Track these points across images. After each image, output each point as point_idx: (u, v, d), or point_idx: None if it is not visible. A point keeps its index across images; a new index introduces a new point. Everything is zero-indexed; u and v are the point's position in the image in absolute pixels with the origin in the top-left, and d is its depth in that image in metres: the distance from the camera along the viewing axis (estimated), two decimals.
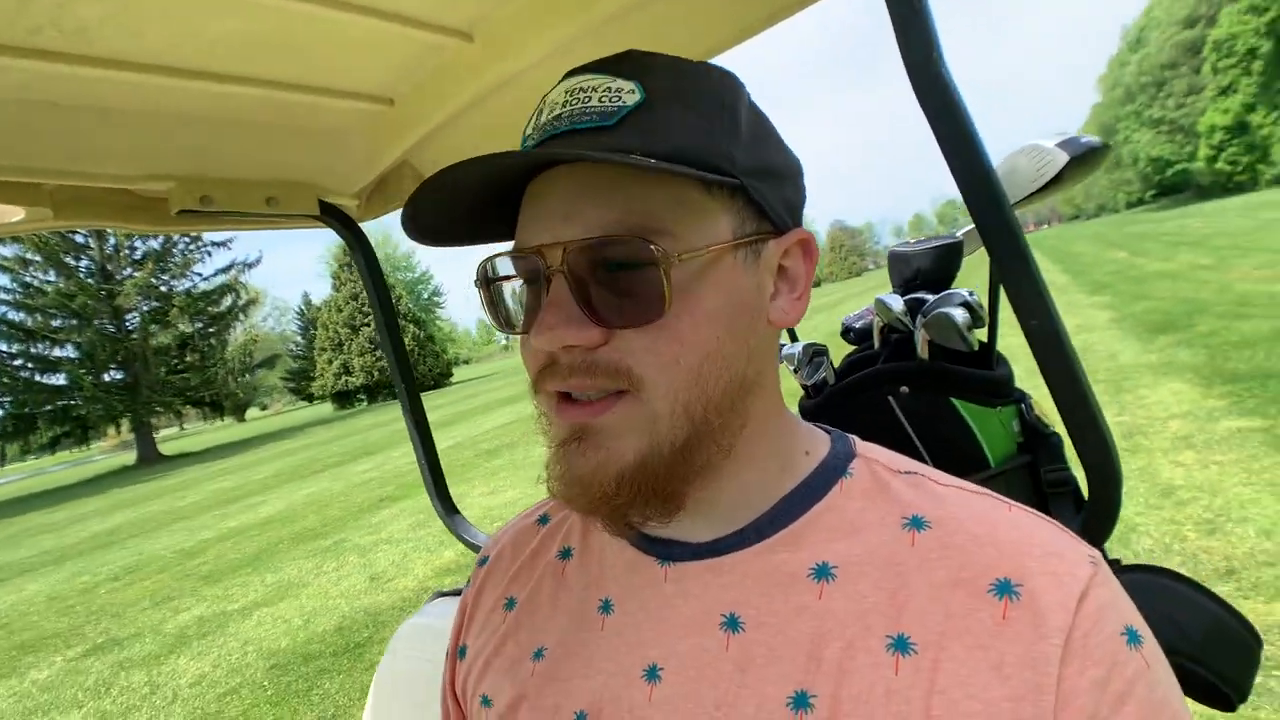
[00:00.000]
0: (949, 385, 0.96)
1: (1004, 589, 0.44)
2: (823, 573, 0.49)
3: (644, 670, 0.51)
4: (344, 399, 48.03)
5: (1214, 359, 5.85)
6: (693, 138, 0.47)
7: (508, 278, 0.54)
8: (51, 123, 0.86)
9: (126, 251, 32.44)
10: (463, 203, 0.51)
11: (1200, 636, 0.72)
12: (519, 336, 0.53)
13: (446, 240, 0.56)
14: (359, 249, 1.29)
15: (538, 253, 0.48)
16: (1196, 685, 0.72)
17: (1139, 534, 3.27)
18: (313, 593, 5.60)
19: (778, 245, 0.52)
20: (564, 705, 0.54)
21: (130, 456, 34.11)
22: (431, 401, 29.14)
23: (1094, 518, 0.73)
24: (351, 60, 0.92)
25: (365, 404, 46.06)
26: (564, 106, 0.49)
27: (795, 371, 1.13)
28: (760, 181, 0.50)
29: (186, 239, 32.88)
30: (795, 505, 0.52)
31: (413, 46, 0.91)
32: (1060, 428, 0.84)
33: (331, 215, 1.23)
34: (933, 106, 0.65)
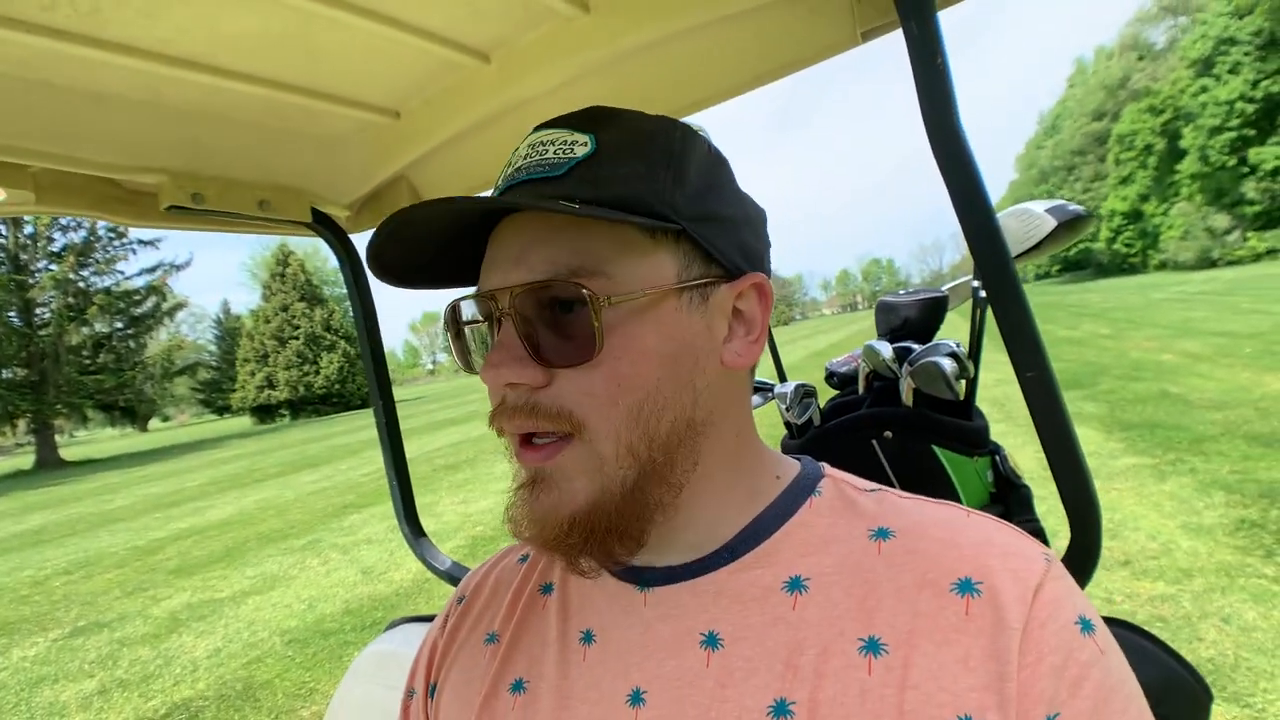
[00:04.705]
0: (931, 432, 0.98)
1: (966, 587, 0.46)
2: (795, 585, 0.50)
3: (628, 696, 0.51)
4: (265, 413, 46.21)
5: (1113, 411, 6.96)
6: (635, 186, 0.49)
7: (473, 321, 0.56)
8: (44, 103, 0.82)
9: (44, 242, 30.84)
10: (429, 245, 0.53)
11: (1154, 687, 0.76)
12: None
13: (414, 281, 0.57)
14: (348, 262, 1.27)
15: (491, 296, 0.50)
16: None
17: (1058, 538, 4.04)
18: (304, 583, 5.82)
19: (730, 289, 0.53)
20: None
21: (21, 461, 31.82)
22: (368, 419, 28.60)
23: (1073, 557, 0.75)
24: (361, 68, 0.91)
25: (288, 419, 44.45)
26: (524, 159, 0.52)
27: (787, 410, 1.15)
28: (705, 227, 0.51)
29: (110, 234, 31.56)
30: (766, 525, 0.54)
31: (427, 61, 0.90)
32: (1030, 480, 0.94)
33: (324, 224, 1.21)
34: (946, 158, 0.67)
